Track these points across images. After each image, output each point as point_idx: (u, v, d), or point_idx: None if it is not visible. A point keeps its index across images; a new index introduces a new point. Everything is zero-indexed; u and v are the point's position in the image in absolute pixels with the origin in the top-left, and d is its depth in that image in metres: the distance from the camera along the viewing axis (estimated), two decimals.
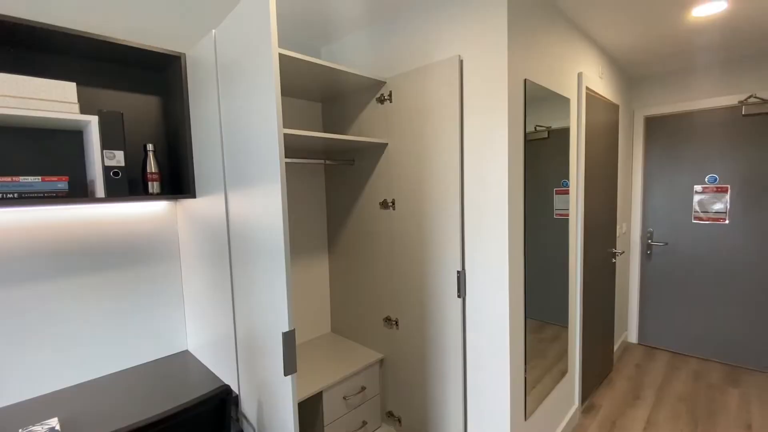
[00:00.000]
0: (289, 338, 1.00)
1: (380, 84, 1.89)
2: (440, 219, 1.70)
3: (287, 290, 0.99)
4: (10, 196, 1.16)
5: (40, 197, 1.20)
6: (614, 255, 2.85)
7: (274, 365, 1.07)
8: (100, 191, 1.30)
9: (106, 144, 1.30)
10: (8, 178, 1.15)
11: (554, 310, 2.03)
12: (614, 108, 2.75)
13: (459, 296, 1.66)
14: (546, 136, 1.84)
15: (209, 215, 1.42)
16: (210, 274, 1.46)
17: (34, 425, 1.18)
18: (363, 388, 1.93)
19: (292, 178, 2.17)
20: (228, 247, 1.31)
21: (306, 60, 1.50)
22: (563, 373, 2.14)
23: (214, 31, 1.27)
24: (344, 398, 1.83)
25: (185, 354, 1.71)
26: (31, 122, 1.22)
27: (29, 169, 1.34)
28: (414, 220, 1.81)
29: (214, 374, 1.50)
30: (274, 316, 1.06)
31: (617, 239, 2.98)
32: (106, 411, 1.26)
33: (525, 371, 1.71)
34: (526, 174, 1.65)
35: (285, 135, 1.49)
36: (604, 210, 2.64)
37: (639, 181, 3.28)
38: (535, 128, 1.74)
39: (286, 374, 1.00)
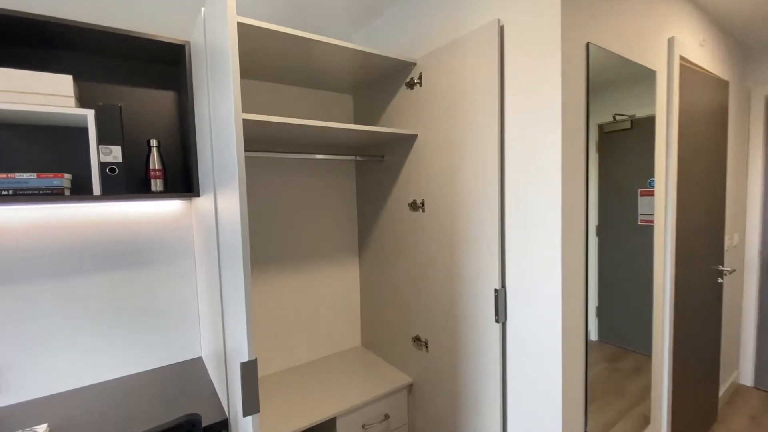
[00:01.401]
0: (248, 370, 0.80)
1: (410, 66, 1.63)
2: (475, 224, 1.39)
3: (246, 309, 0.79)
4: (6, 192, 1.13)
5: (35, 194, 1.17)
6: (721, 273, 2.24)
7: (237, 399, 0.88)
8: (96, 189, 1.24)
9: (103, 139, 1.24)
10: (4, 175, 1.13)
11: (638, 335, 1.61)
12: (722, 85, 2.16)
13: (497, 321, 1.34)
14: (629, 126, 1.48)
15: (206, 215, 1.29)
16: (207, 281, 1.34)
17: (23, 430, 1.14)
18: (387, 417, 1.68)
19: (325, 176, 2.01)
20: (217, 251, 1.16)
21: (277, 31, 1.23)
22: (645, 419, 1.68)
23: (203, 9, 1.14)
24: (363, 427, 1.60)
25: (197, 362, 1.62)
26: (25, 117, 1.19)
27: (38, 167, 1.33)
28: (445, 224, 1.52)
29: (214, 389, 1.37)
30: (235, 340, 0.87)
31: (725, 253, 2.34)
32: (98, 419, 1.19)
33: (585, 418, 1.33)
34: (595, 170, 1.28)
35: (286, 125, 1.31)
36: (707, 216, 2.07)
37: (758, 180, 2.56)
38: (614, 118, 1.38)
39: (245, 414, 0.81)
